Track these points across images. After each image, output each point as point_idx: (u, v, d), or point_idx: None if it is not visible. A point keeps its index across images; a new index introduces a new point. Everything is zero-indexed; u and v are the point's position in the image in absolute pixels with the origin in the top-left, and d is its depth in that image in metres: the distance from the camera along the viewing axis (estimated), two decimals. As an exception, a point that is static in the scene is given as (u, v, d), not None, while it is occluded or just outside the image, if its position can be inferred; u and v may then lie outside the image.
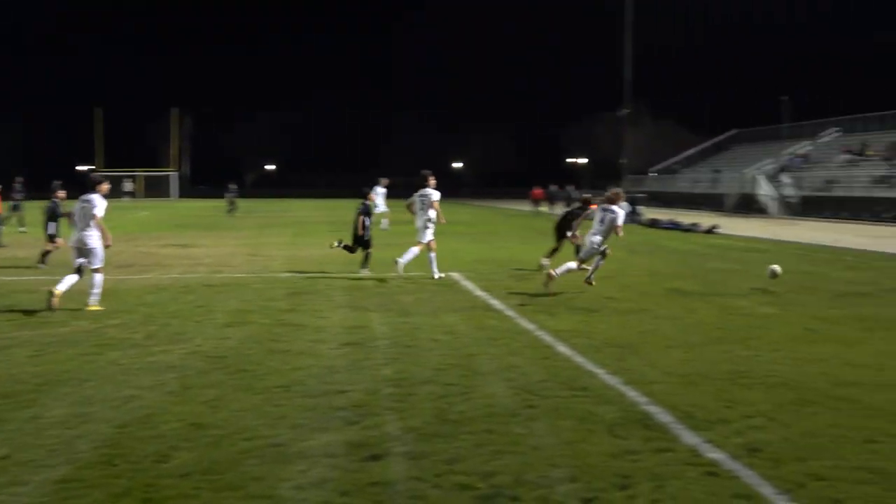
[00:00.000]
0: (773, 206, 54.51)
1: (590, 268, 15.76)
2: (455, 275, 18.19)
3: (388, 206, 35.88)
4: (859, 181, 49.80)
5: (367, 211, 18.53)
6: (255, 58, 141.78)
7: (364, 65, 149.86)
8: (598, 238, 15.46)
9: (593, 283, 15.75)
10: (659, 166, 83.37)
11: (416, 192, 18.01)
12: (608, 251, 15.71)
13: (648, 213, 44.12)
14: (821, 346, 10.54)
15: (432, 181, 17.93)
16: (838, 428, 6.99)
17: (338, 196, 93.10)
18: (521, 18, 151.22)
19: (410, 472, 5.93)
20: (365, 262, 18.41)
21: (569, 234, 17.98)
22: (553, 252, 19.32)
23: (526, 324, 12.01)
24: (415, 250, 17.78)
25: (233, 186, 53.61)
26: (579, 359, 9.66)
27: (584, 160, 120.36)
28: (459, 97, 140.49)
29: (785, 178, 56.72)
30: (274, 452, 6.36)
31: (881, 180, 48.61)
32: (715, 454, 6.30)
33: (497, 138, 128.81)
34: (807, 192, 53.86)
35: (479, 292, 15.40)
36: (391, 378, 8.66)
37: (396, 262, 17.53)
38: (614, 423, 7.07)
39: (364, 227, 18.36)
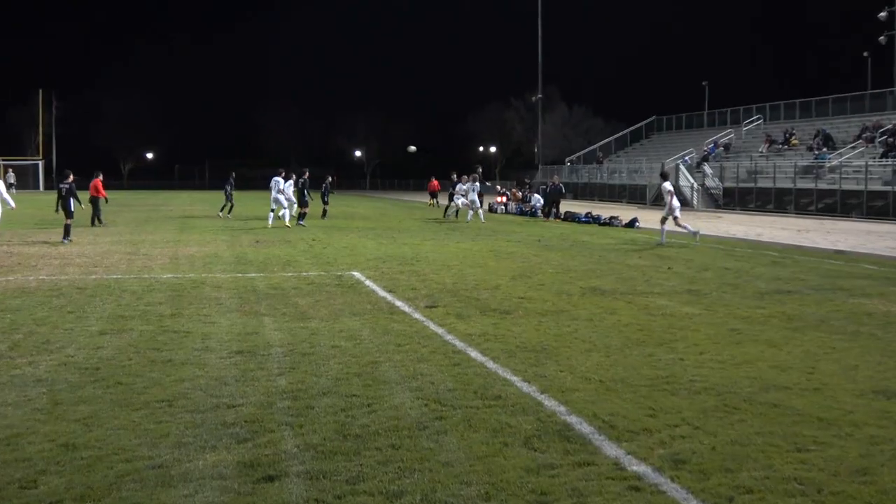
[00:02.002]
0: (695, 198, 55.70)
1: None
2: (356, 274, 18.11)
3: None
4: (784, 171, 51.26)
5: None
6: (129, 36, 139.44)
7: (244, 47, 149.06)
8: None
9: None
10: (574, 156, 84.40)
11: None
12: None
13: (564, 205, 44.64)
14: (747, 348, 10.78)
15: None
16: (767, 436, 7.14)
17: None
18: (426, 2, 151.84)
19: (309, 494, 5.85)
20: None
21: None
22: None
23: (434, 327, 12.01)
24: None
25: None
26: (492, 365, 9.69)
27: (494, 149, 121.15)
28: (350, 83, 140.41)
29: (707, 169, 58.02)
30: (155, 475, 6.20)
31: (806, 171, 50.15)
32: (638, 467, 6.37)
33: (399, 125, 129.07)
34: (729, 184, 55.17)
35: (382, 293, 15.36)
36: (287, 390, 8.55)
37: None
38: (531, 435, 7.09)
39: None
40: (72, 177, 27.45)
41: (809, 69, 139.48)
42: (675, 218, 27.11)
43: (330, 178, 42.67)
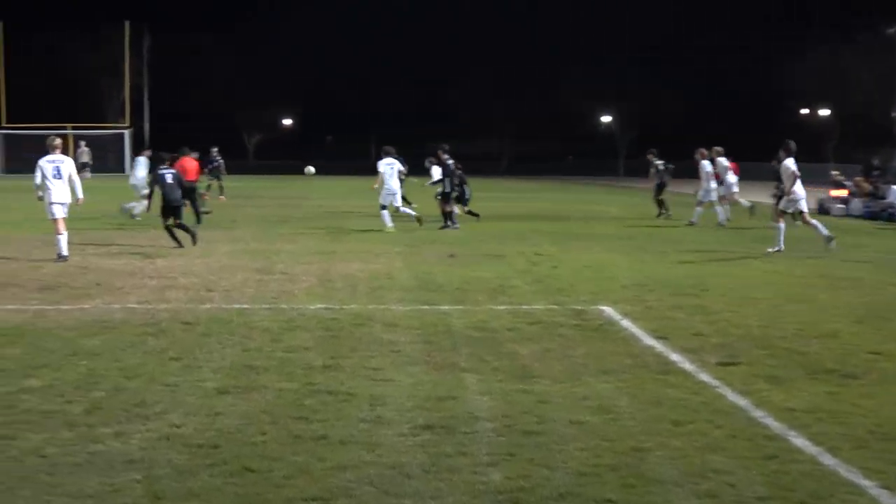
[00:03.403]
0: None
1: None
2: (606, 309, 18.06)
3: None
4: None
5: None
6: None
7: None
8: None
9: None
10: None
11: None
12: None
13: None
14: None
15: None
16: None
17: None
18: None
19: None
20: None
21: None
22: None
23: (733, 397, 11.86)
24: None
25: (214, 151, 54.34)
26: (829, 460, 9.49)
27: (826, 112, 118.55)
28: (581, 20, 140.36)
29: None
30: None
31: None
32: None
33: (663, 77, 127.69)
34: None
35: (649, 340, 15.27)
36: (503, 488, 8.59)
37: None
38: (899, 580, 6.94)
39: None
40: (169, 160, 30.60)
41: None
42: (802, 213, 29.57)
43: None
